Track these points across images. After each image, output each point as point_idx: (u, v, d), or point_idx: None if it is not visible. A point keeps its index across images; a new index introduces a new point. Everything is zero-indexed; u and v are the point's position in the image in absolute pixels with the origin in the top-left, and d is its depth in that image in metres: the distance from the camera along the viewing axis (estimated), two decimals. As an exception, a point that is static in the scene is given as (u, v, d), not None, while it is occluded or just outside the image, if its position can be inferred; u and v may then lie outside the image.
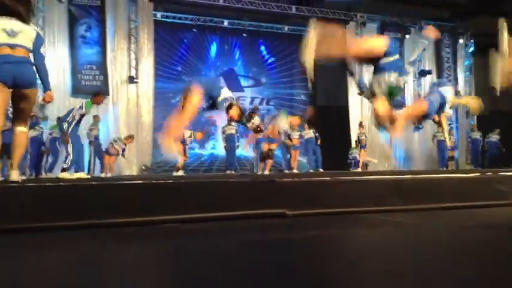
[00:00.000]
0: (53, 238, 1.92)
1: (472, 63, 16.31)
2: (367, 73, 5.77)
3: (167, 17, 14.24)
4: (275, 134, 9.55)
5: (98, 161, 11.13)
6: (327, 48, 4.03)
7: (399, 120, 4.68)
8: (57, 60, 11.98)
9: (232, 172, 11.02)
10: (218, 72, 15.35)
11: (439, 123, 8.79)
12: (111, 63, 12.46)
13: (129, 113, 12.59)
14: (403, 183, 3.18)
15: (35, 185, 3.25)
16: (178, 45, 14.76)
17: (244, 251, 1.59)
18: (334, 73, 13.63)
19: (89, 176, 7.55)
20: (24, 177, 7.92)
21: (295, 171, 11.77)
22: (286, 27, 15.65)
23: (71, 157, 7.11)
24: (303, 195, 2.65)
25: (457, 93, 16.30)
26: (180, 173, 9.68)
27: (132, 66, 12.72)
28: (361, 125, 13.82)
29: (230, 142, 11.44)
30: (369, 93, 4.27)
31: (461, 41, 16.21)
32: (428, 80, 16.00)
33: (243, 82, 15.77)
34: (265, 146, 9.70)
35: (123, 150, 11.21)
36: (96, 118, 11.05)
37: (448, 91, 6.16)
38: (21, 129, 3.82)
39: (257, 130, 8.69)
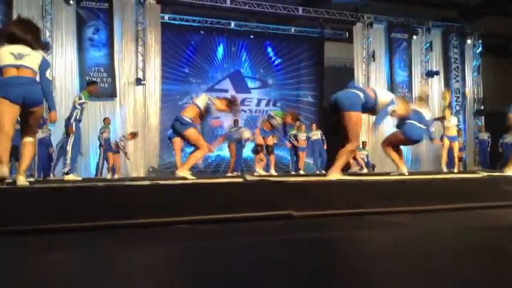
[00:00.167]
0: (61, 240, 1.94)
1: (480, 64, 16.23)
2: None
3: (174, 19, 14.29)
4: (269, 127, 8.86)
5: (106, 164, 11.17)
6: None
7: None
8: (65, 62, 12.07)
9: (238, 174, 11.03)
10: (225, 73, 15.38)
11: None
12: (118, 65, 12.52)
13: (136, 114, 12.65)
14: (410, 184, 3.18)
15: (43, 187, 3.28)
16: (185, 47, 14.81)
17: (251, 253, 1.60)
18: (341, 75, 13.63)
19: (80, 178, 7.58)
20: (32, 179, 7.99)
21: (302, 172, 11.78)
22: (293, 29, 15.65)
23: (69, 154, 7.12)
24: (309, 196, 2.65)
25: (464, 94, 16.24)
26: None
27: (139, 68, 12.77)
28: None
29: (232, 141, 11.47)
30: None
31: (469, 41, 16.13)
32: (435, 80, 15.93)
33: (250, 84, 15.78)
34: (258, 139, 8.89)
35: (124, 149, 11.24)
36: (106, 120, 11.13)
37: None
38: (29, 140, 4.05)
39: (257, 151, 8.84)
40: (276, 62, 15.96)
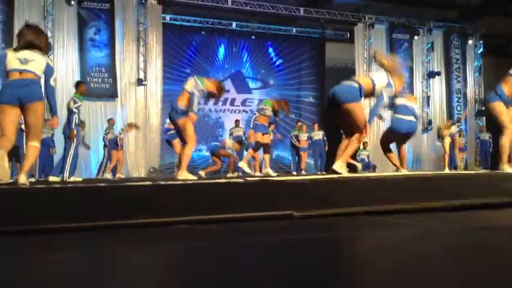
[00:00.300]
0: (61, 240, 1.94)
1: (482, 64, 16.22)
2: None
3: (176, 19, 14.30)
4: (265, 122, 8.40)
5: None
6: None
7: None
8: (67, 63, 12.08)
9: (240, 174, 11.02)
10: (226, 74, 15.38)
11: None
12: (119, 65, 12.53)
13: (138, 115, 12.66)
14: (411, 183, 3.17)
15: (44, 187, 3.29)
16: (186, 48, 14.82)
17: (251, 253, 1.60)
18: (343, 76, 13.60)
19: (81, 179, 7.59)
20: (33, 179, 8.00)
21: (304, 173, 11.78)
22: (294, 29, 15.66)
23: (70, 160, 7.12)
24: (310, 196, 2.65)
25: (465, 95, 16.23)
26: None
27: (140, 69, 12.79)
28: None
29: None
30: None
31: (470, 42, 16.12)
32: (437, 81, 15.92)
33: (251, 84, 15.78)
34: (256, 137, 8.40)
35: (123, 141, 11.23)
36: (111, 121, 11.15)
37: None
38: (33, 144, 4.08)
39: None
40: (277, 63, 15.96)
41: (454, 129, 11.61)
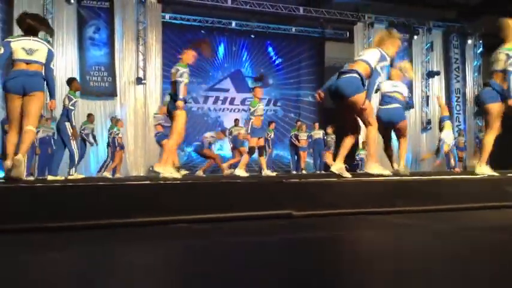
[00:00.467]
0: (61, 239, 1.94)
1: (481, 64, 16.21)
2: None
3: (175, 18, 14.29)
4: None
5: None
6: None
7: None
8: (66, 61, 12.06)
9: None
10: (226, 73, 15.38)
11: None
12: (119, 64, 12.51)
13: (137, 113, 12.64)
14: (410, 184, 3.18)
15: (43, 185, 3.28)
16: (186, 47, 14.80)
17: (251, 252, 1.60)
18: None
19: (83, 176, 7.59)
20: (32, 178, 8.00)
21: (304, 172, 11.77)
22: (293, 29, 15.64)
23: (77, 156, 7.13)
24: (309, 196, 2.65)
25: (464, 94, 16.24)
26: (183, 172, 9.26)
27: (140, 68, 12.77)
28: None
29: (237, 143, 11.44)
30: None
31: (469, 41, 16.11)
32: (436, 81, 15.92)
33: (251, 83, 15.78)
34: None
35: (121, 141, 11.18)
36: (114, 120, 11.12)
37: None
38: (29, 128, 4.21)
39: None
40: (277, 62, 15.95)
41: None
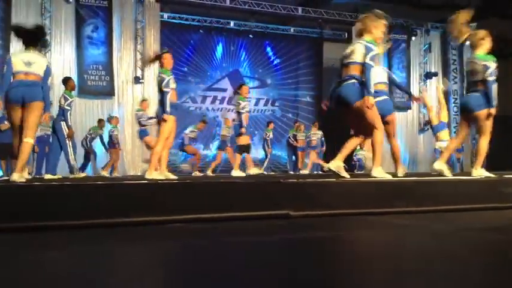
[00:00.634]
0: (59, 238, 1.94)
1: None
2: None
3: (174, 18, 14.27)
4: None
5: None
6: None
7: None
8: (64, 60, 12.03)
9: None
10: (224, 73, 15.37)
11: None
12: (117, 63, 12.48)
13: (135, 113, 12.63)
14: (407, 185, 3.19)
15: (41, 184, 3.28)
16: (184, 46, 14.79)
17: (248, 252, 1.60)
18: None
19: (84, 174, 7.59)
20: (29, 177, 7.97)
21: (303, 172, 11.76)
22: (292, 29, 15.65)
23: (72, 156, 7.11)
24: (307, 196, 2.66)
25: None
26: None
27: (138, 67, 12.75)
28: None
29: (222, 144, 11.28)
30: None
31: (467, 43, 16.13)
32: (434, 82, 15.95)
33: (249, 83, 15.77)
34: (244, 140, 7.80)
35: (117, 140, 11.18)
36: (109, 119, 11.12)
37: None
38: (28, 140, 4.42)
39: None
40: (275, 62, 15.95)
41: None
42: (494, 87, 4.55)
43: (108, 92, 12.26)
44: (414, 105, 15.09)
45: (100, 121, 10.72)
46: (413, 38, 15.44)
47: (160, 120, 5.48)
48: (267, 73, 15.89)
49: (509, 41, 15.99)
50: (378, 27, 4.39)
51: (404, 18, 15.10)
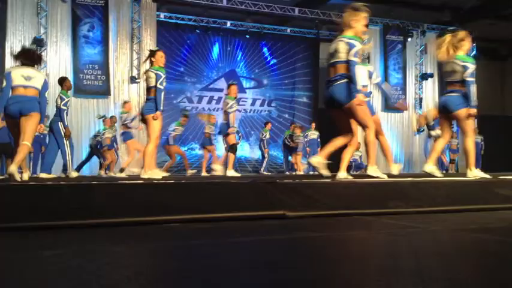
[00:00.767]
0: (53, 237, 1.93)
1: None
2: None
3: (170, 17, 14.25)
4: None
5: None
6: None
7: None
8: (60, 59, 12.00)
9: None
10: (220, 73, 15.36)
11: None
12: (113, 63, 12.47)
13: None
14: (403, 186, 3.20)
15: (37, 184, 3.27)
16: (180, 46, 14.76)
17: (245, 252, 1.60)
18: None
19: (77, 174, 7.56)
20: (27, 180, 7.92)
21: (300, 173, 11.75)
22: (288, 29, 15.66)
23: (69, 156, 7.09)
24: (303, 196, 2.66)
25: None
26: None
27: (134, 66, 12.74)
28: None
29: (206, 141, 11.17)
30: None
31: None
32: (429, 83, 15.99)
33: (245, 83, 15.76)
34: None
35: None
36: (114, 119, 11.09)
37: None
38: (25, 143, 4.70)
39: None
40: (272, 62, 15.94)
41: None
42: (473, 88, 4.55)
43: (104, 91, 12.23)
44: (410, 106, 15.14)
45: (112, 118, 10.66)
46: (409, 39, 15.48)
47: (144, 117, 5.38)
48: (264, 73, 15.89)
49: (504, 42, 16.07)
50: (359, 21, 4.40)
51: (401, 19, 15.14)
